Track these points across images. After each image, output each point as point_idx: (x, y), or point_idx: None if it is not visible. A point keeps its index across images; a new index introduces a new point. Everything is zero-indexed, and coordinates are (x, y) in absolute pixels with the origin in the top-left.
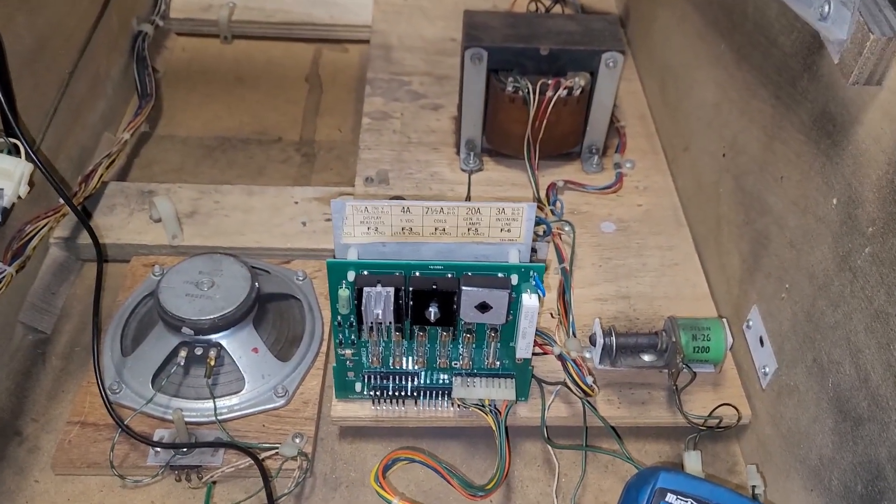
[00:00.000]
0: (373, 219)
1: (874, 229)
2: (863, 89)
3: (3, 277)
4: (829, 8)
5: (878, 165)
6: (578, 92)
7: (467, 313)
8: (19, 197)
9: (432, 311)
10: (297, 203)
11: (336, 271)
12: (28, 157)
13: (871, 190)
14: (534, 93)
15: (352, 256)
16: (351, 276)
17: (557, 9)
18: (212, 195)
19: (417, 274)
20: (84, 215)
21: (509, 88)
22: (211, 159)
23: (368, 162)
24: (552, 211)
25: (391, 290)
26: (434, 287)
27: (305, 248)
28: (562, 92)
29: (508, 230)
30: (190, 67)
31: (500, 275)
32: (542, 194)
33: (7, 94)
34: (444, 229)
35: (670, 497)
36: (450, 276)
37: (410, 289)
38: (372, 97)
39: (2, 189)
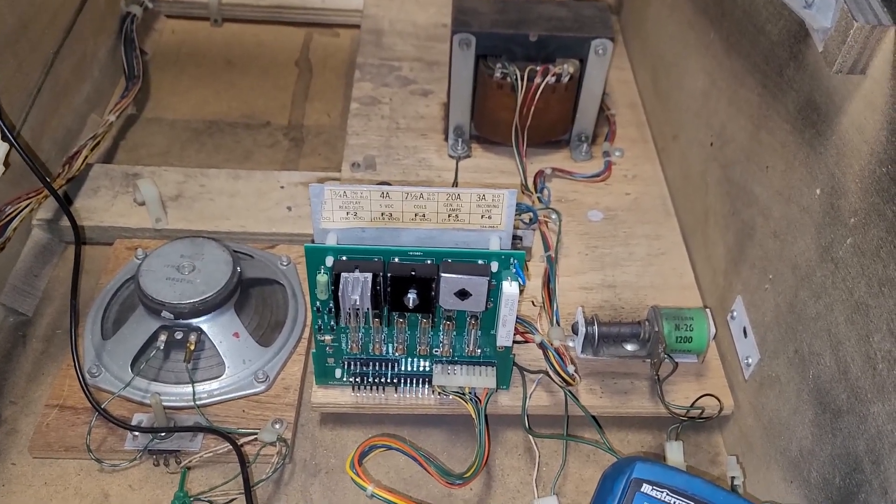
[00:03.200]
0: (352, 204)
1: (856, 220)
2: (847, 78)
3: None
4: None
5: (861, 156)
6: (567, 79)
7: (447, 300)
8: None
9: (411, 298)
10: (282, 188)
11: (314, 256)
12: (3, 137)
13: (853, 180)
14: (522, 79)
15: (331, 241)
16: (329, 261)
17: None
18: (197, 179)
19: (396, 260)
20: (62, 197)
21: (497, 74)
22: (198, 143)
23: (356, 147)
24: (539, 199)
25: (369, 275)
26: (412, 273)
27: (290, 233)
28: (550, 79)
29: (489, 217)
30: (179, 50)
31: (479, 262)
32: (530, 182)
33: None
34: (423, 215)
35: (646, 487)
36: (429, 262)
37: (389, 275)
38: (361, 82)
39: None
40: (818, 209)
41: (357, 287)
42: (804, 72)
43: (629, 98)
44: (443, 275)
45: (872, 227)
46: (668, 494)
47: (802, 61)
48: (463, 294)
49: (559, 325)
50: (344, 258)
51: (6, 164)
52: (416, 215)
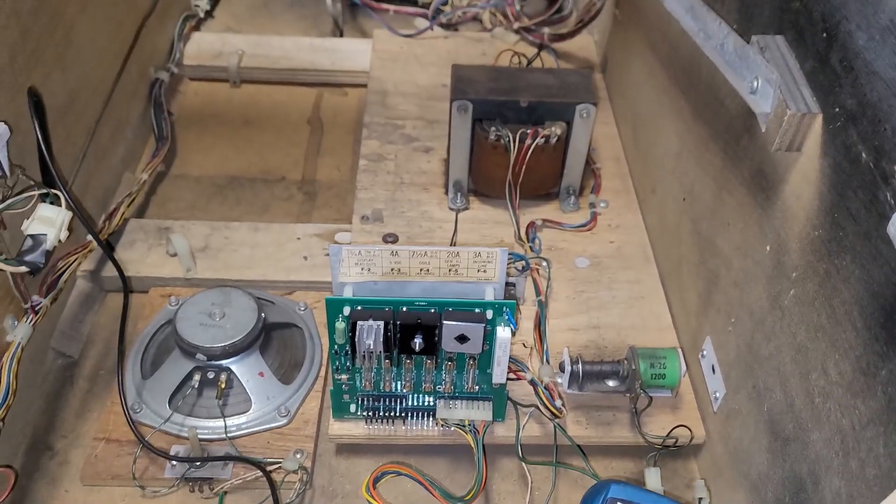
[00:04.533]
0: (365, 261)
1: (797, 274)
2: (786, 154)
3: (40, 309)
4: (758, 84)
5: (799, 220)
6: (555, 140)
7: (448, 344)
8: (60, 241)
9: (417, 342)
10: (299, 239)
11: (334, 307)
12: (68, 206)
13: (794, 240)
14: (514, 141)
15: (347, 293)
16: (346, 311)
17: (538, 62)
18: (222, 231)
19: (405, 309)
20: (113, 254)
21: (492, 137)
22: (221, 197)
23: (364, 201)
24: (531, 248)
25: (381, 323)
26: (419, 321)
27: (307, 280)
28: (539, 140)
29: (484, 271)
30: (202, 111)
31: (476, 310)
32: (523, 232)
33: (48, 150)
34: (428, 269)
35: None
36: (433, 311)
37: (398, 322)
38: (368, 140)
39: (45, 235)
40: (769, 263)
41: (371, 333)
42: (755, 144)
43: (613, 152)
44: (445, 322)
45: (809, 281)
46: None
47: (754, 135)
48: (462, 338)
49: (549, 364)
50: (359, 308)
51: (70, 228)
52: (421, 270)
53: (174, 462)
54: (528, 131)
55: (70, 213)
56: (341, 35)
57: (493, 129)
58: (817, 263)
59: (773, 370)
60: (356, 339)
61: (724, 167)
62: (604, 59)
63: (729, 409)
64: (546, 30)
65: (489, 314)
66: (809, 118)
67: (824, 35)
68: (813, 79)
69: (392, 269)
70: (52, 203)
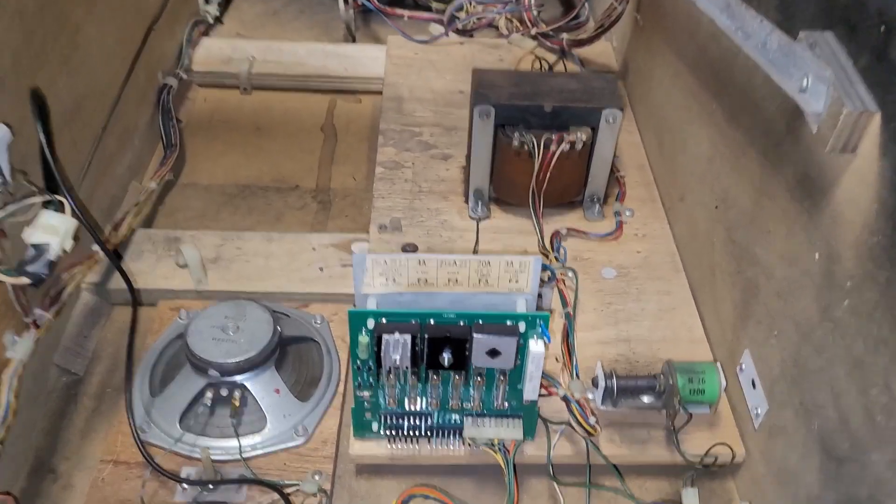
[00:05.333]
0: (391, 271)
1: (852, 283)
2: (839, 156)
3: (43, 323)
4: (808, 82)
5: (854, 226)
6: (580, 146)
7: (478, 358)
8: (64, 251)
9: (446, 357)
10: (314, 249)
11: (357, 319)
12: (73, 214)
13: (848, 248)
14: (538, 147)
15: (371, 305)
16: (371, 323)
17: (560, 66)
18: (234, 241)
19: (432, 322)
20: (121, 265)
21: (515, 143)
22: (231, 206)
23: (382, 210)
24: (556, 258)
25: (408, 336)
26: (448, 335)
27: (323, 292)
28: (564, 146)
29: (516, 281)
30: (212, 118)
31: (508, 322)
32: (547, 241)
33: (52, 154)
34: (456, 280)
35: None
36: (462, 323)
37: (426, 336)
38: (385, 147)
39: (48, 244)
40: (817, 272)
41: (398, 348)
42: (800, 146)
43: (637, 160)
44: (475, 335)
45: (867, 291)
46: None
47: (798, 137)
48: (494, 353)
49: (578, 378)
50: (384, 321)
51: (75, 237)
52: (449, 280)
53: (185, 485)
54: (553, 137)
55: (75, 222)
56: (353, 41)
57: (516, 134)
58: (877, 271)
59: (824, 385)
60: (381, 354)
61: (763, 172)
62: (623, 65)
63: (772, 425)
64: (565, 35)
65: (522, 327)
66: (867, 117)
67: (882, 29)
68: (868, 76)
69: (419, 280)
70: (56, 210)
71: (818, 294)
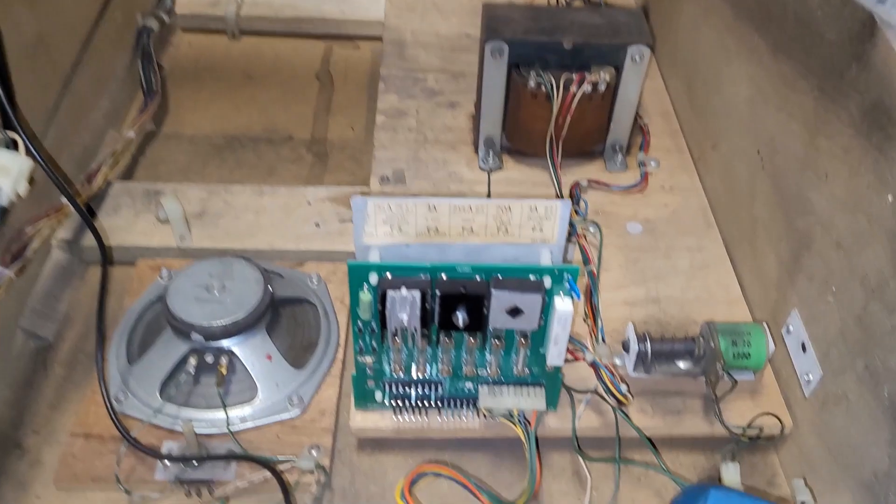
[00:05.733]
0: (396, 218)
1: None
2: None
3: (3, 281)
4: None
5: None
6: (603, 88)
7: (497, 318)
8: (19, 196)
9: (460, 317)
10: (309, 203)
11: (357, 274)
12: (28, 153)
13: None
14: (557, 88)
15: (373, 258)
16: (373, 279)
17: (578, 2)
18: (221, 195)
19: (444, 277)
20: (88, 215)
21: (531, 84)
22: (219, 159)
23: (384, 161)
24: (576, 211)
25: (417, 293)
26: (462, 291)
27: (319, 250)
28: (586, 87)
29: (541, 230)
30: (197, 64)
31: (531, 277)
32: (566, 194)
33: (5, 86)
34: (472, 229)
35: None
36: (478, 278)
37: (437, 292)
38: (386, 94)
39: None
40: (891, 217)
41: (405, 306)
42: (870, 73)
43: (661, 107)
44: (494, 292)
45: None
46: None
47: (867, 62)
48: (515, 312)
49: (605, 343)
50: (389, 276)
51: (31, 181)
52: (463, 229)
53: (167, 462)
54: (574, 77)
55: (30, 162)
56: None
57: (532, 74)
58: None
59: None
60: (386, 314)
61: (818, 108)
62: (646, 2)
63: (828, 393)
64: None
65: (547, 282)
66: None
67: None
68: None
69: (428, 229)
70: (7, 148)
71: (892, 242)
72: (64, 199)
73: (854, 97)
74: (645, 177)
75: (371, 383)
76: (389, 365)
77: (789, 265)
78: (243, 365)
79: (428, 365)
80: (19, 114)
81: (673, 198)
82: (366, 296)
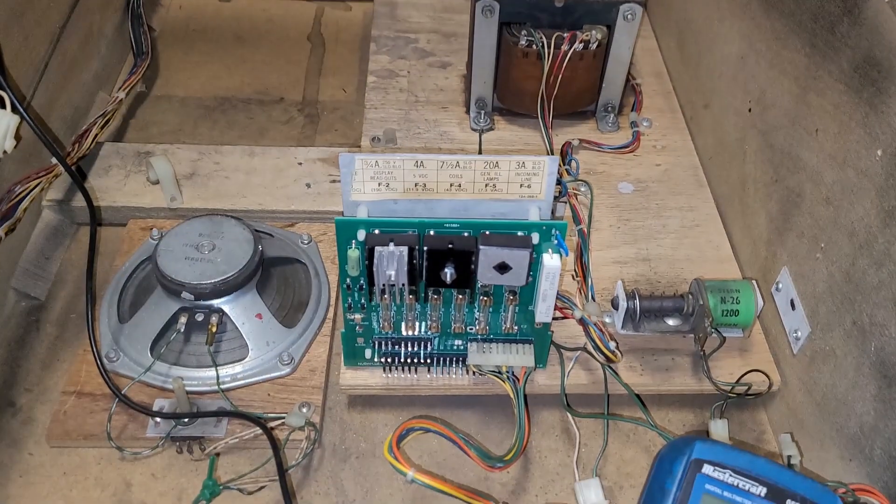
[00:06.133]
0: (384, 174)
1: None
2: None
3: None
4: None
5: None
6: (595, 46)
7: (485, 274)
8: (5, 152)
9: (448, 273)
10: (300, 164)
11: (345, 230)
12: (14, 109)
13: None
14: (549, 46)
15: (361, 214)
16: (361, 235)
17: None
18: (212, 156)
19: (432, 233)
20: (78, 175)
21: (523, 42)
22: (210, 120)
23: (375, 121)
24: (567, 171)
25: (405, 249)
26: (450, 246)
27: (310, 210)
28: (578, 46)
29: (528, 186)
30: (187, 26)
31: (519, 233)
32: (557, 153)
33: None
34: (459, 185)
35: (707, 468)
36: (466, 234)
37: (425, 248)
38: (377, 55)
39: None
40: (879, 171)
41: (393, 262)
42: (861, 27)
43: (654, 67)
44: (482, 247)
45: None
46: (731, 475)
47: (858, 16)
48: (503, 268)
49: (594, 301)
50: (377, 231)
51: (17, 137)
52: (451, 185)
53: (157, 419)
54: (565, 36)
55: (16, 117)
56: None
57: (523, 33)
58: None
59: (885, 302)
60: (374, 270)
61: (809, 64)
62: None
63: (815, 350)
64: None
65: (535, 238)
66: None
67: None
68: None
69: (416, 185)
70: None
71: (880, 196)
72: (54, 160)
73: (845, 52)
74: (637, 137)
75: (360, 341)
76: (378, 322)
77: (779, 223)
78: (234, 324)
79: (417, 322)
80: (6, 72)
81: (665, 157)
82: (354, 252)
